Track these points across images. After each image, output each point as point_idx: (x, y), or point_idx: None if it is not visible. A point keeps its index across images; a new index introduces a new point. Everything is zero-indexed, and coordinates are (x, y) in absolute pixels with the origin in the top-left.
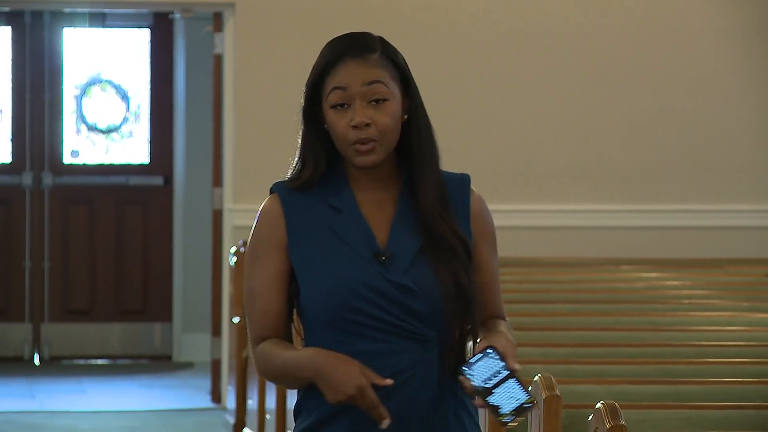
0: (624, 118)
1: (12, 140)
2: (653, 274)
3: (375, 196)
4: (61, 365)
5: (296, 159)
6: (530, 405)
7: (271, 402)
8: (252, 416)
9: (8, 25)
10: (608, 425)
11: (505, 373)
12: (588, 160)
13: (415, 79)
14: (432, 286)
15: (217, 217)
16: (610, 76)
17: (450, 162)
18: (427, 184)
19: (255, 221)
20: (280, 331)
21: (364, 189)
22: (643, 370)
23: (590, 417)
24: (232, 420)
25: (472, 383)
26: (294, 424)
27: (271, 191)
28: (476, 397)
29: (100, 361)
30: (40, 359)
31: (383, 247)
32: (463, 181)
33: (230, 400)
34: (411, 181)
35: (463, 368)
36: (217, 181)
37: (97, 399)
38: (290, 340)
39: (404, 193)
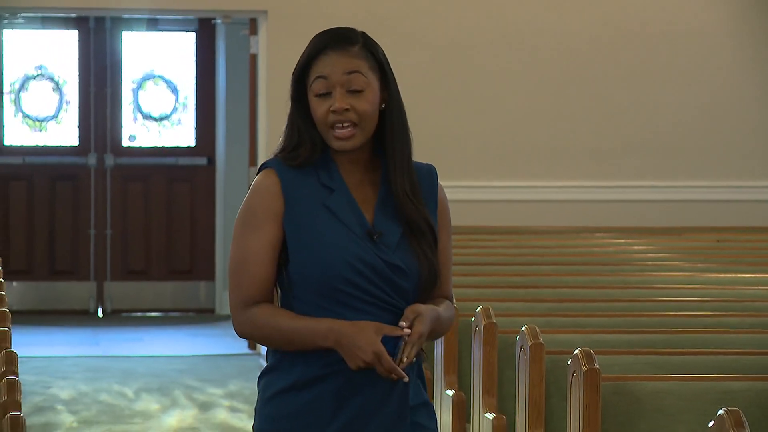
0: (596, 109)
1: (79, 127)
2: (623, 240)
3: (358, 179)
4: (121, 317)
5: (287, 140)
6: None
7: None
8: None
9: (76, 29)
10: (584, 368)
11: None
12: (569, 144)
13: (422, 73)
14: (414, 266)
15: None
16: (584, 74)
17: (453, 145)
18: (398, 171)
19: (249, 193)
20: (268, 296)
21: (348, 171)
22: (614, 321)
23: (569, 361)
24: (265, 364)
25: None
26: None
27: (265, 166)
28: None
29: (154, 314)
30: (103, 312)
31: (372, 226)
32: (431, 173)
33: (263, 347)
34: (388, 169)
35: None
36: (253, 161)
37: (152, 346)
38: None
39: (384, 177)
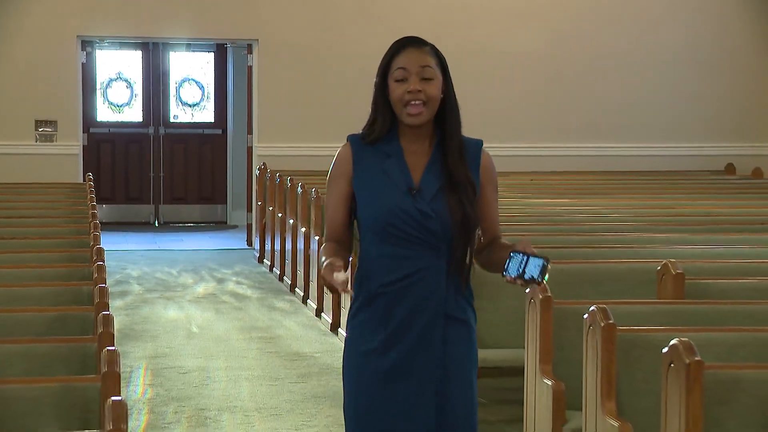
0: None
1: (142, 110)
2: None
3: (416, 148)
4: (169, 226)
5: (370, 116)
6: (547, 263)
7: (277, 246)
8: (268, 254)
9: (140, 50)
10: None
11: (525, 257)
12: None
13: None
14: (445, 213)
15: (250, 150)
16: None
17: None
18: (452, 144)
19: (334, 159)
20: (343, 233)
21: (408, 142)
22: None
23: None
24: (257, 255)
25: (510, 276)
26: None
27: (347, 140)
28: (517, 282)
29: (189, 224)
30: (158, 223)
31: (416, 184)
32: (477, 144)
33: (256, 244)
34: (442, 141)
35: (503, 273)
36: (250, 131)
37: (188, 243)
38: (350, 241)
39: (436, 147)
